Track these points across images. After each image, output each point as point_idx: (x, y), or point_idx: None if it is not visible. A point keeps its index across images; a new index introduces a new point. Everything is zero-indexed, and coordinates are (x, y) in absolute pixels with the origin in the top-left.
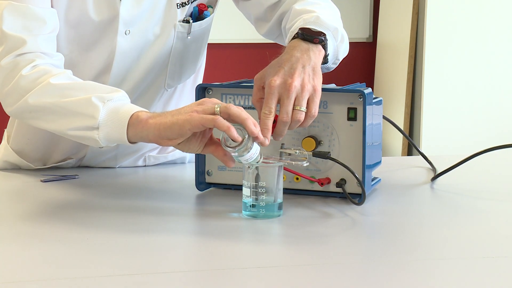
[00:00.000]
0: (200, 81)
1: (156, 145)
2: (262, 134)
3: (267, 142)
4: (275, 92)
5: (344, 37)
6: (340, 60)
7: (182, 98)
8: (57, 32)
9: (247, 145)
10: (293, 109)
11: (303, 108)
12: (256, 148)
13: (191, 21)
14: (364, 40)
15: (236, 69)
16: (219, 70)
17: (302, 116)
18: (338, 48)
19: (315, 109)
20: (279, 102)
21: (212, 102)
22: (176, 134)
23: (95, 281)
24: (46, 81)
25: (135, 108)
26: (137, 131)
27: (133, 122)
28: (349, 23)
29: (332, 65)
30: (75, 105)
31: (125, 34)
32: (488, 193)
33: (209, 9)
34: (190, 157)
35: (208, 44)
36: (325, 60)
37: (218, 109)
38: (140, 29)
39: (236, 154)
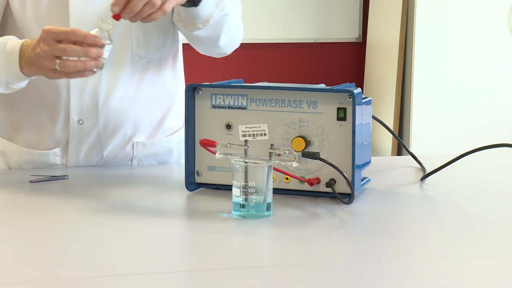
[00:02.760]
0: (178, 66)
1: (142, 130)
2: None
3: (116, 9)
4: None
5: (227, 10)
6: (210, 24)
7: (159, 79)
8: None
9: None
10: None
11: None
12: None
13: None
14: (354, 40)
15: (225, 68)
16: (208, 70)
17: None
18: (212, 13)
19: (168, 6)
20: None
21: (52, 53)
22: None
23: (83, 281)
24: None
25: (15, 57)
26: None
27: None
28: (338, 23)
29: (200, 24)
30: None
31: None
32: (477, 193)
33: None
34: (178, 155)
35: None
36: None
37: (57, 66)
38: None
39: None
